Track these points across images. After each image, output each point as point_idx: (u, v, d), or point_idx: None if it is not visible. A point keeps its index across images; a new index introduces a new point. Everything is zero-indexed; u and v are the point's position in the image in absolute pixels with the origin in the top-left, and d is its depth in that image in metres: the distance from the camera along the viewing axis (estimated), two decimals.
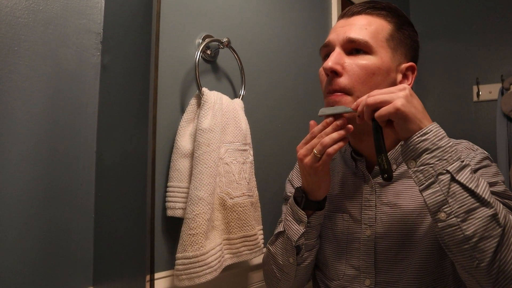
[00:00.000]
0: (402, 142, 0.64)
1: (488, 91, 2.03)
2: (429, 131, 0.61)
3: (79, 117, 0.84)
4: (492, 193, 0.68)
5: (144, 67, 0.78)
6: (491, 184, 0.69)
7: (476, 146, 0.78)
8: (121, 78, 0.85)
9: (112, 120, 0.85)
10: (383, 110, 0.62)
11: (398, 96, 0.62)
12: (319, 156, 0.71)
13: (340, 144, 0.70)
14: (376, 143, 0.67)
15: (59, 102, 0.81)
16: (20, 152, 0.75)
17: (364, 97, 0.66)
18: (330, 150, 0.70)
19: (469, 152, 0.76)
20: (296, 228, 0.78)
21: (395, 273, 0.74)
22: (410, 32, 0.79)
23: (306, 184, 0.77)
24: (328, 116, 0.72)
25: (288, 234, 0.79)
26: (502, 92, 1.96)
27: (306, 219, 0.77)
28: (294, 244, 0.78)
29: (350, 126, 0.71)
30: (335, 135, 0.70)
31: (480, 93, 2.05)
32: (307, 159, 0.72)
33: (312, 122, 0.76)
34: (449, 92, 2.15)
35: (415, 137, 0.61)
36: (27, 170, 0.76)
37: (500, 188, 0.69)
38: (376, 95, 0.64)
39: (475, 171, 0.72)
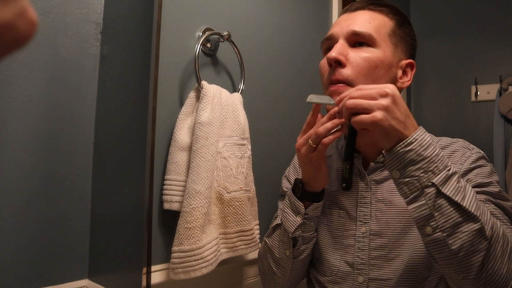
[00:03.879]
0: (384, 152, 0.63)
1: (486, 91, 2.03)
2: (413, 140, 0.57)
3: (77, 108, 0.84)
4: (486, 193, 0.68)
5: (144, 59, 0.78)
6: (485, 185, 0.69)
7: (472, 146, 0.79)
8: (120, 69, 0.85)
9: (110, 111, 0.85)
10: (360, 119, 0.58)
11: (379, 106, 0.57)
12: (314, 146, 0.71)
13: (336, 134, 0.70)
14: (346, 148, 0.66)
15: (58, 92, 0.81)
16: (17, 142, 0.75)
17: (347, 93, 0.62)
18: (326, 140, 0.70)
19: (464, 151, 0.76)
20: (293, 220, 0.78)
21: (388, 270, 0.75)
22: (410, 31, 0.81)
23: (303, 175, 0.78)
24: (314, 104, 0.73)
25: (285, 225, 0.79)
26: (500, 93, 1.97)
27: (304, 210, 0.77)
28: (291, 235, 0.78)
29: None
30: (328, 124, 0.70)
31: (478, 93, 2.05)
32: (303, 149, 0.73)
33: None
34: (447, 91, 2.15)
35: (399, 148, 0.57)
36: (24, 160, 0.76)
37: (494, 188, 0.69)
38: (357, 99, 0.59)
39: (469, 170, 0.72)
